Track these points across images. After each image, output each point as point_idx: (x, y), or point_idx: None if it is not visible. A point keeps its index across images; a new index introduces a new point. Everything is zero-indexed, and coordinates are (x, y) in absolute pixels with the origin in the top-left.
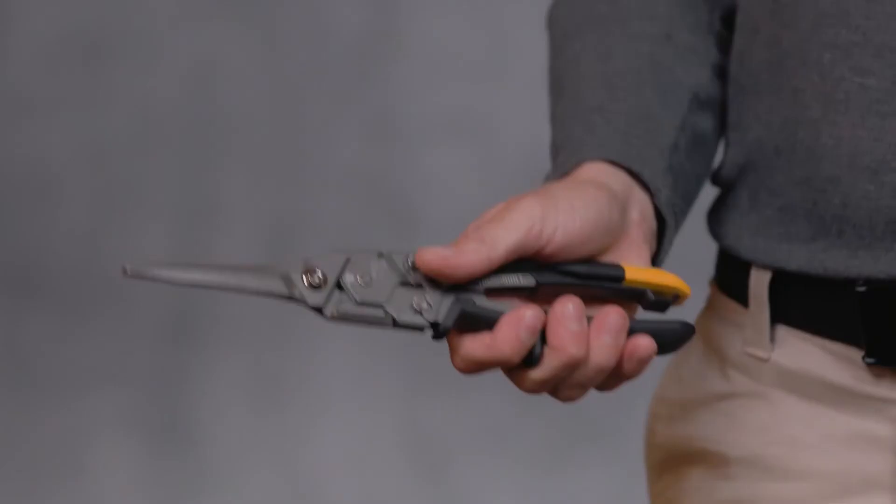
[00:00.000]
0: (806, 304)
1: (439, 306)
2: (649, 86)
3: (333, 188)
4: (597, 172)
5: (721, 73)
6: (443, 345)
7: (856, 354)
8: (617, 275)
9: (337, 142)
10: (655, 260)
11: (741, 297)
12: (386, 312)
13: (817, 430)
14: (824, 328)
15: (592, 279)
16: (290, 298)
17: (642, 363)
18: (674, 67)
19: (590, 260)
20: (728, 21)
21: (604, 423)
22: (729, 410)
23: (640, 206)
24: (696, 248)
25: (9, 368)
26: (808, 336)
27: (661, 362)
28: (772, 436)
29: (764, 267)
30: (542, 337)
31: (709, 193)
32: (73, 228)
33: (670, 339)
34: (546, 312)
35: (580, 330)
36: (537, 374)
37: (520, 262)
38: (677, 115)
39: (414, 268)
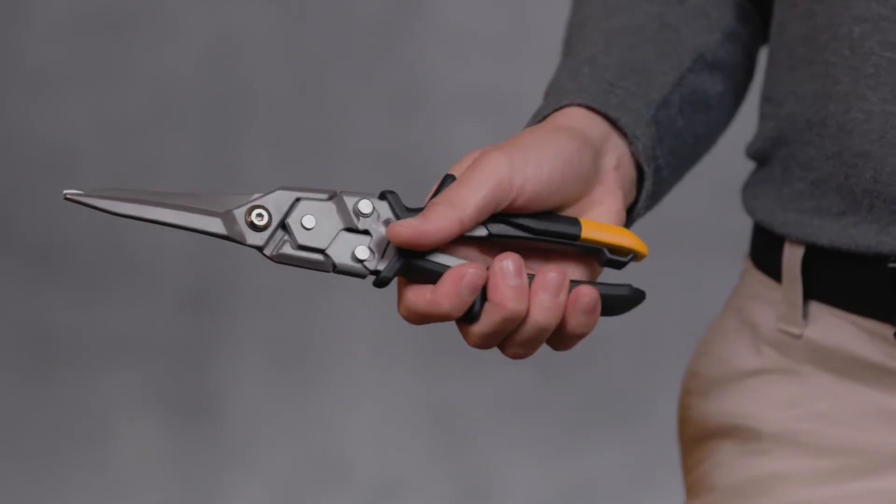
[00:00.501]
0: (838, 279)
1: (383, 255)
2: (649, 42)
3: (355, 164)
4: (574, 118)
5: (736, 41)
6: None
7: (888, 331)
8: (572, 232)
9: (359, 118)
10: (632, 211)
11: (775, 272)
12: (326, 257)
13: (849, 406)
14: (856, 304)
15: (547, 235)
16: (229, 239)
17: (587, 314)
18: (680, 28)
19: (551, 213)
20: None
21: (628, 398)
22: (761, 386)
23: (616, 153)
24: (731, 223)
25: (31, 342)
26: (840, 312)
27: (692, 338)
28: (803, 411)
29: (796, 241)
30: (485, 294)
31: (744, 169)
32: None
33: (617, 303)
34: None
35: (519, 285)
36: (478, 328)
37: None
38: (675, 71)
39: (363, 213)
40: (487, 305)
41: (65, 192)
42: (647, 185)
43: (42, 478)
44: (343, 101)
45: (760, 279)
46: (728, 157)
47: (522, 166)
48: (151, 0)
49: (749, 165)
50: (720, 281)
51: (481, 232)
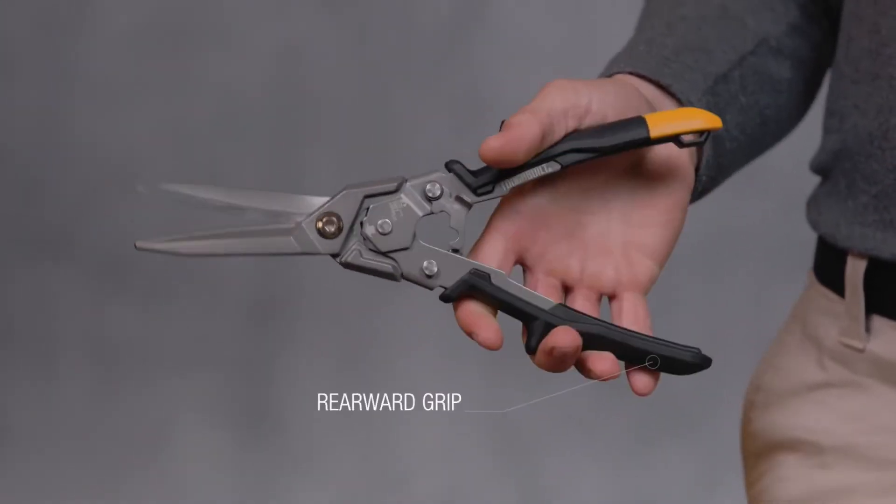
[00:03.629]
0: None
1: (450, 273)
2: (711, 27)
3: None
4: (624, 78)
5: (802, 35)
6: None
7: None
8: (640, 136)
9: (422, 126)
10: (697, 180)
11: (838, 286)
12: (395, 266)
13: None
14: None
15: (617, 150)
16: (303, 254)
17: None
18: (743, 17)
19: (612, 124)
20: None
21: (689, 412)
22: (824, 400)
23: None
24: (796, 237)
25: (97, 351)
26: None
27: (757, 351)
28: (867, 425)
29: (859, 255)
30: (547, 327)
31: (809, 183)
32: (158, 214)
33: (678, 366)
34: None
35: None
36: (536, 360)
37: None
38: (736, 52)
39: (433, 196)
40: (540, 353)
41: (136, 243)
42: (707, 149)
43: (108, 484)
44: (406, 110)
45: (824, 293)
46: (793, 172)
47: (586, 89)
48: (215, 11)
49: (814, 180)
50: (785, 294)
51: (553, 168)
